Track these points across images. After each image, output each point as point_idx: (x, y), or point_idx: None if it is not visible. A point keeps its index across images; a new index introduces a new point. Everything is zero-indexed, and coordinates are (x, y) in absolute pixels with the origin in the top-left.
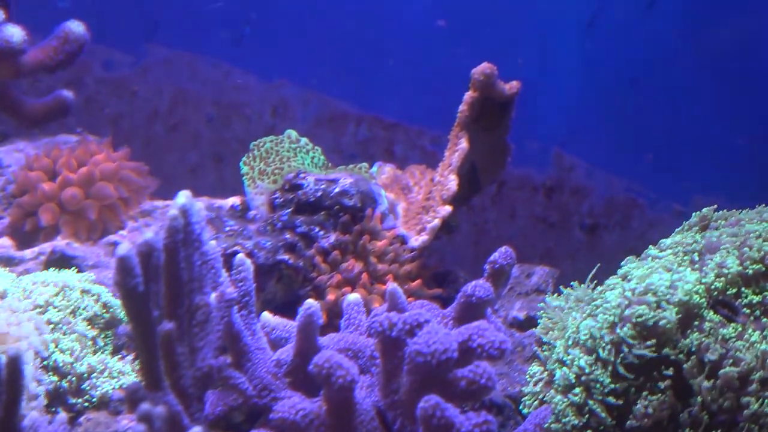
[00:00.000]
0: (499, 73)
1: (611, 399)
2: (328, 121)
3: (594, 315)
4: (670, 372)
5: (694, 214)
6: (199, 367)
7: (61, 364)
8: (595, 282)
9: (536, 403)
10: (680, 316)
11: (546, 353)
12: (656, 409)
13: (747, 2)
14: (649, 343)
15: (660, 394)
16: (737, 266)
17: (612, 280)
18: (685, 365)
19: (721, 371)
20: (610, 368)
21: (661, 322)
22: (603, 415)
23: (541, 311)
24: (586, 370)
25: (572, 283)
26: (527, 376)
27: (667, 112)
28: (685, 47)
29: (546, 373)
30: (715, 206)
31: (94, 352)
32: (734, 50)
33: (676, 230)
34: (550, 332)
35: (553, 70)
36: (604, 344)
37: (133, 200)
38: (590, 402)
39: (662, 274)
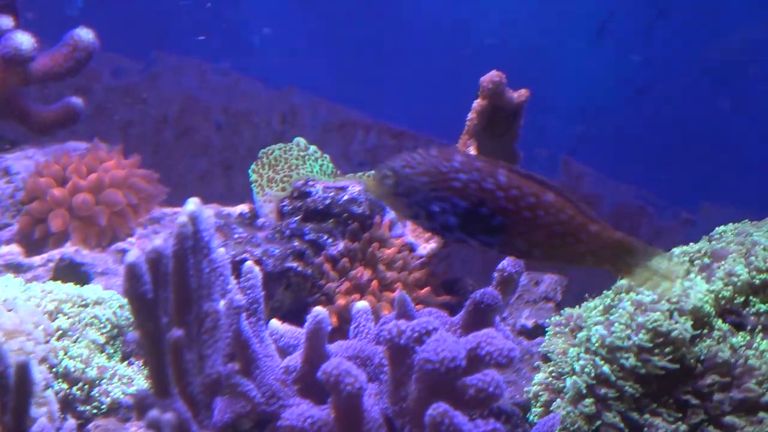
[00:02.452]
0: (508, 81)
1: (619, 405)
2: (336, 129)
3: (607, 323)
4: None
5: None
6: (207, 374)
7: (71, 371)
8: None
9: (542, 410)
10: (692, 323)
11: (553, 363)
12: (669, 423)
13: (755, 11)
14: (667, 350)
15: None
16: (746, 275)
17: (623, 282)
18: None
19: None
20: (623, 377)
21: (675, 332)
22: (621, 425)
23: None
24: (609, 376)
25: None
26: (534, 384)
27: (676, 121)
28: (693, 55)
29: (551, 379)
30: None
31: (104, 359)
32: (742, 58)
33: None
34: (559, 340)
35: (562, 78)
36: (620, 353)
37: (143, 207)
38: (605, 413)
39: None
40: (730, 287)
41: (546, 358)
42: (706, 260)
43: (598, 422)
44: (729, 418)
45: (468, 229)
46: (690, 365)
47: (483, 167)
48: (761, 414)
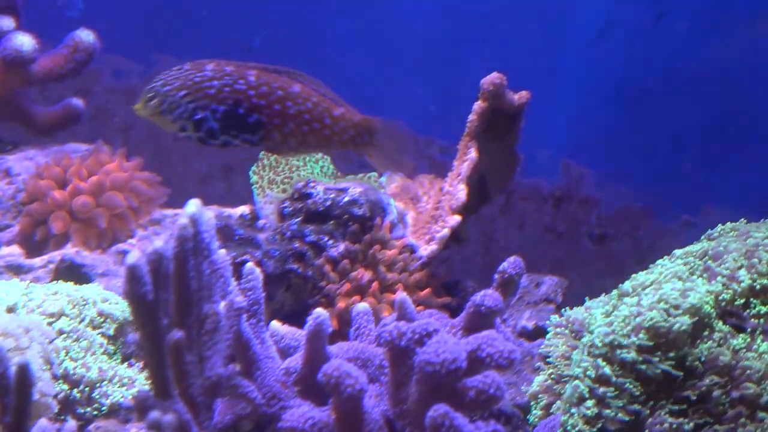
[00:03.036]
0: (509, 82)
1: (622, 403)
2: None
3: (608, 324)
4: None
5: (720, 225)
6: (208, 375)
7: (71, 373)
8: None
9: (542, 412)
10: (692, 323)
11: (553, 365)
12: (671, 424)
13: (756, 13)
14: (671, 354)
15: (675, 407)
16: (748, 279)
17: (625, 285)
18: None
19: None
20: (623, 374)
21: (675, 327)
22: (627, 418)
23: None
24: (610, 377)
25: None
26: (534, 386)
27: (677, 123)
28: (694, 57)
29: (551, 380)
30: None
31: (104, 361)
32: (744, 60)
33: (702, 239)
34: (559, 341)
35: (562, 80)
36: (621, 349)
37: (144, 210)
38: (606, 411)
39: (675, 283)
40: (731, 289)
41: (546, 360)
42: (708, 262)
43: (600, 423)
44: (731, 413)
45: (230, 131)
46: (691, 366)
47: (233, 71)
48: (761, 414)
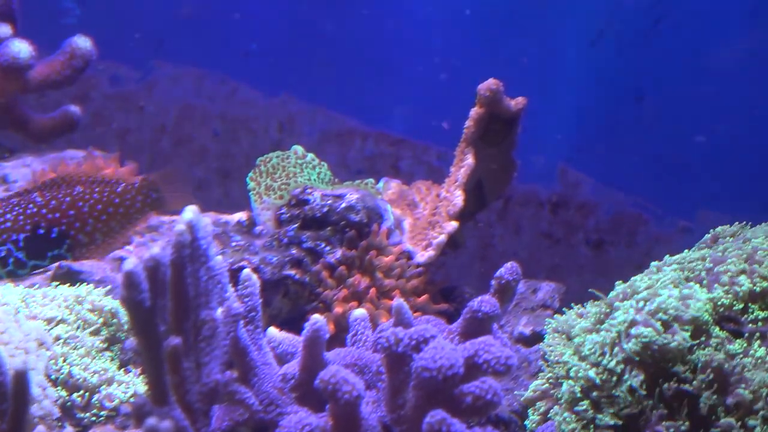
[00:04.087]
0: (505, 88)
1: (612, 409)
2: (334, 137)
3: (600, 330)
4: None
5: (711, 230)
6: (205, 382)
7: (69, 379)
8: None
9: (539, 418)
10: (689, 334)
11: (550, 368)
12: (667, 428)
13: (754, 19)
14: (651, 361)
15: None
16: (748, 284)
17: (620, 288)
18: (693, 381)
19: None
20: (614, 385)
21: (672, 345)
22: (613, 422)
23: (547, 326)
24: (597, 382)
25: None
26: (531, 391)
27: (674, 128)
28: (691, 63)
29: (548, 385)
30: (728, 225)
31: (102, 367)
32: (741, 66)
33: (693, 248)
34: (556, 347)
35: (559, 86)
36: (610, 361)
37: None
38: (599, 416)
39: (671, 290)
40: (730, 295)
41: (545, 361)
42: (707, 266)
43: (592, 426)
44: (724, 421)
45: (38, 254)
46: (687, 372)
47: (19, 200)
48: (751, 422)
